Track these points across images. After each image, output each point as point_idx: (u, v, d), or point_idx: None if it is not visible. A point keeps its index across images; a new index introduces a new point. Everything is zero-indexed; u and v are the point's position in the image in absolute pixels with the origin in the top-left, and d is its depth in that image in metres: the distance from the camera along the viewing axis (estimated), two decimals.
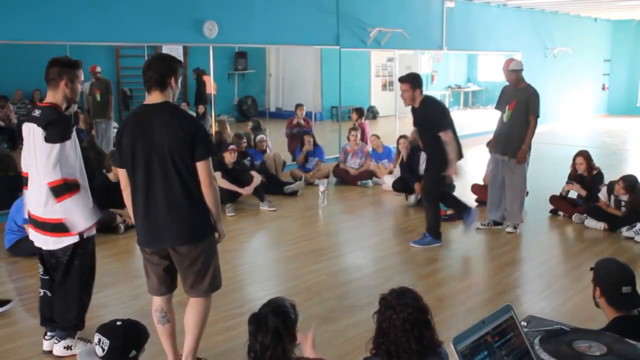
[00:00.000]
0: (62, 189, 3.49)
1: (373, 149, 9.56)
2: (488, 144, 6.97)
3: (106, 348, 2.54)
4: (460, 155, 5.96)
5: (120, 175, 3.29)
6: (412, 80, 5.90)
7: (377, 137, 9.67)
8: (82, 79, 3.72)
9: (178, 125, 3.07)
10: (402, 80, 5.97)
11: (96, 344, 2.58)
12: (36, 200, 3.63)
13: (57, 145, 3.45)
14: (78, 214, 3.55)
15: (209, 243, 3.29)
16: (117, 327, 2.61)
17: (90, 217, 3.62)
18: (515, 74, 6.32)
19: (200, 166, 3.12)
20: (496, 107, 6.60)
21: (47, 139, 3.45)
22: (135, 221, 3.30)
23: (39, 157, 3.50)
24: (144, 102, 3.25)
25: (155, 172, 3.10)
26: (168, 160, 3.07)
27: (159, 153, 3.07)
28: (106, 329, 2.61)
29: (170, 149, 3.06)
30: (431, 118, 5.84)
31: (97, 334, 2.61)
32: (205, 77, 10.16)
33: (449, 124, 5.81)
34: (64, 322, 3.77)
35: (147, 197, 3.15)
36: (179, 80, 3.26)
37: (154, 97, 3.15)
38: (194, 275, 3.28)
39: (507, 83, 6.50)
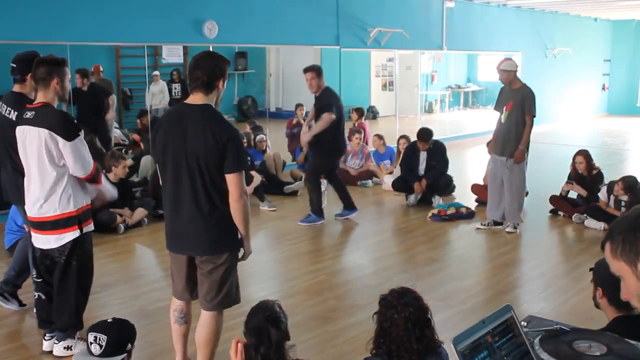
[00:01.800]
0: (96, 177, 3.69)
1: (375, 149, 9.52)
2: (488, 145, 6.99)
3: (104, 344, 2.57)
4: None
5: (159, 171, 3.23)
6: (317, 69, 6.64)
7: (380, 137, 9.60)
8: (70, 76, 3.73)
9: (210, 133, 2.91)
10: (306, 70, 6.64)
11: (91, 343, 2.60)
12: (32, 201, 3.62)
13: (80, 137, 3.52)
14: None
15: (232, 257, 3.18)
16: (110, 323, 2.69)
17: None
18: (507, 74, 6.34)
19: (229, 179, 2.96)
20: (495, 108, 6.63)
21: (70, 137, 3.47)
22: (165, 222, 3.25)
23: (42, 159, 3.50)
24: (185, 101, 3.12)
25: (183, 176, 2.99)
26: (196, 168, 2.95)
27: (189, 158, 2.95)
28: (100, 327, 2.67)
29: (199, 156, 2.93)
30: (330, 104, 6.51)
31: (90, 333, 2.65)
32: None
33: (335, 109, 6.50)
34: (62, 322, 3.77)
35: (175, 201, 3.07)
36: (226, 82, 3.10)
37: (196, 98, 3.02)
38: (209, 284, 3.16)
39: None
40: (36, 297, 3.85)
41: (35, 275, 3.82)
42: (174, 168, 3.02)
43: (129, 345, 2.64)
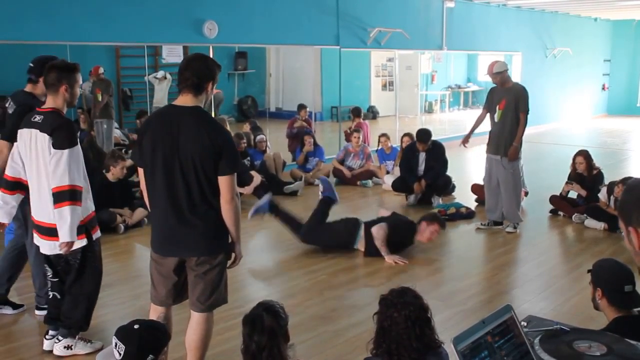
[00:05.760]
0: (66, 195, 3.43)
1: (381, 148, 9.49)
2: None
3: (122, 352, 2.47)
4: None
5: (140, 174, 3.10)
6: None
7: (387, 137, 9.45)
8: (81, 82, 3.71)
9: (206, 135, 2.89)
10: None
11: (114, 348, 2.51)
12: (39, 206, 3.61)
13: (67, 151, 3.43)
14: (69, 225, 3.45)
15: (225, 258, 3.14)
16: (133, 331, 2.51)
17: (74, 235, 3.50)
18: (500, 76, 6.36)
19: (223, 181, 2.94)
20: (485, 108, 6.65)
21: (56, 145, 3.42)
22: (152, 226, 3.16)
23: (47, 164, 3.47)
24: (173, 103, 3.07)
25: (176, 178, 2.94)
26: (191, 169, 2.90)
27: (182, 160, 2.91)
28: (123, 333, 2.52)
29: (194, 158, 2.89)
30: None
31: (114, 337, 2.53)
32: None
33: None
34: (71, 321, 3.78)
35: (168, 203, 2.98)
36: (215, 86, 3.06)
37: (185, 100, 2.97)
38: (204, 285, 3.09)
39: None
40: (51, 296, 3.84)
41: (51, 275, 3.81)
42: (166, 170, 2.94)
43: (151, 357, 2.51)
